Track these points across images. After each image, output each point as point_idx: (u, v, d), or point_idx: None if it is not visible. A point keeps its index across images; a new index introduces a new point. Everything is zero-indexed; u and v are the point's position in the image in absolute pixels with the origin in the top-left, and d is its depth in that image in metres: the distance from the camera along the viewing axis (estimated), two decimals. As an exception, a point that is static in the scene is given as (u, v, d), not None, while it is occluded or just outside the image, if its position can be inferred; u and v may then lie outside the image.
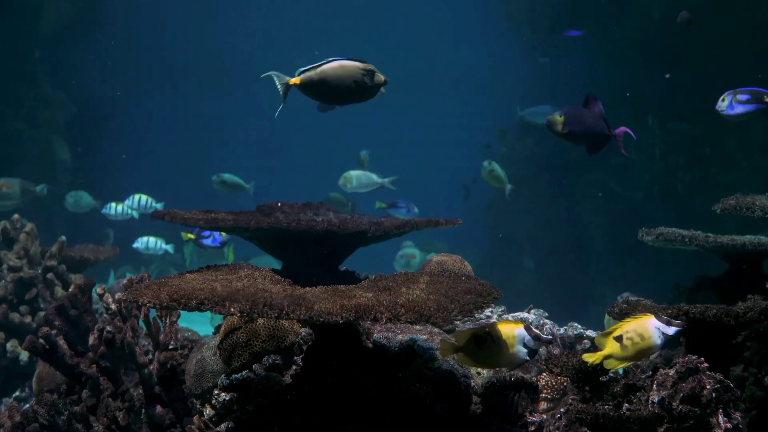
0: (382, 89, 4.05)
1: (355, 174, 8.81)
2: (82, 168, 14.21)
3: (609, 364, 3.06)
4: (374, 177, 8.72)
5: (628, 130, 4.82)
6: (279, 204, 4.87)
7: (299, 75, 3.71)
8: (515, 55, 14.59)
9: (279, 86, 3.72)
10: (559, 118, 4.59)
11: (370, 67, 3.72)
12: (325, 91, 3.76)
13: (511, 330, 3.02)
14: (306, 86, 3.73)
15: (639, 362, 3.53)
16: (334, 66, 3.73)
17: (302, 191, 5.27)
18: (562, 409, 3.28)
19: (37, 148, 13.24)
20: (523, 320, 4.28)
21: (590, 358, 3.08)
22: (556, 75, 13.78)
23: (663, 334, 3.02)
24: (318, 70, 3.71)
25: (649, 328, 3.03)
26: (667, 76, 10.52)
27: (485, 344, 3.02)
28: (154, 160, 20.51)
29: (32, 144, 13.19)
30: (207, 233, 5.61)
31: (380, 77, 3.74)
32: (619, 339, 3.03)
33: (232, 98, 23.16)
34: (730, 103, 5.06)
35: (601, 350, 3.05)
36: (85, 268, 6.44)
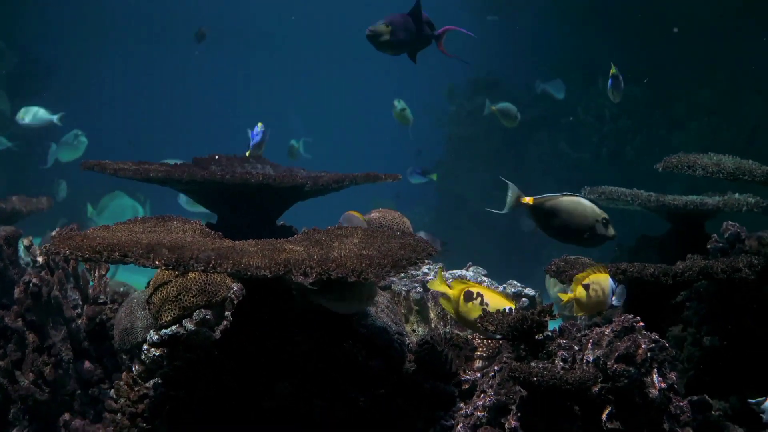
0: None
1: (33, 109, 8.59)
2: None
3: (576, 310, 3.18)
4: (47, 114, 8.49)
5: (452, 28, 4.72)
6: (216, 157, 4.78)
7: (533, 197, 3.60)
8: (463, 11, 14.43)
9: (509, 196, 3.64)
10: (385, 27, 4.44)
11: (605, 216, 3.59)
12: (552, 224, 3.66)
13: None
14: (536, 210, 3.66)
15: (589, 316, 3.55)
16: (569, 201, 3.63)
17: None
18: (495, 368, 3.24)
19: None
20: (461, 277, 4.23)
21: (564, 297, 3.21)
22: (504, 34, 13.72)
23: (613, 294, 3.07)
24: (553, 201, 3.61)
25: (608, 284, 3.11)
26: (645, 81, 10.55)
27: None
28: (99, 115, 20.16)
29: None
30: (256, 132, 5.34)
31: (611, 231, 3.61)
32: (586, 287, 3.09)
33: (182, 54, 22.83)
34: None
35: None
36: (17, 221, 6.26)
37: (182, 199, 7.74)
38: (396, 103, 7.78)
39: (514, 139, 12.09)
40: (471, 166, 12.86)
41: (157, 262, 2.69)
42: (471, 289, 3.19)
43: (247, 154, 5.03)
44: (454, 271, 4.39)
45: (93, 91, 20.49)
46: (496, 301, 3.16)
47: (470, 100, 13.09)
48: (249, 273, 2.64)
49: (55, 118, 8.80)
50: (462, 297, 3.17)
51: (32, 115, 8.78)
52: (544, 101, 11.86)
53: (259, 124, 5.13)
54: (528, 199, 3.65)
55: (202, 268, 2.67)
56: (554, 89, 10.74)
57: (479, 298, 3.14)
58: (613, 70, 5.97)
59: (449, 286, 3.24)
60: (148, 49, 22.90)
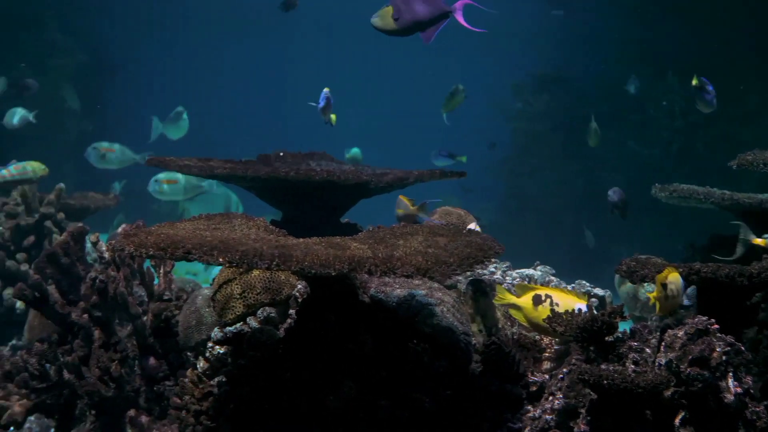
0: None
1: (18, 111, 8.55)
2: (90, 116, 14.10)
3: (658, 309, 3.08)
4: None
5: (469, 1, 4.48)
6: (281, 153, 4.76)
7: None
8: (528, 7, 14.32)
9: (740, 239, 3.52)
10: (386, 9, 4.24)
11: None
12: None
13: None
14: None
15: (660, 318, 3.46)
16: None
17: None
18: (564, 370, 3.17)
19: (44, 96, 13.10)
20: (528, 276, 4.16)
21: (651, 295, 3.09)
22: (570, 28, 13.57)
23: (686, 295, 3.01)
24: None
25: (681, 284, 3.04)
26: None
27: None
28: (165, 110, 20.35)
29: (39, 91, 13.04)
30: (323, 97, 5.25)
31: None
32: (664, 287, 3.00)
33: (247, 50, 22.98)
34: None
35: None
36: (85, 217, 6.34)
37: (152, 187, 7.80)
38: (459, 86, 7.67)
39: (581, 136, 11.94)
40: (536, 163, 12.75)
41: (221, 260, 2.66)
42: (538, 292, 3.12)
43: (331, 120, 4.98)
44: (522, 270, 4.31)
45: (157, 88, 20.70)
46: (566, 300, 3.09)
47: (536, 96, 12.97)
48: (313, 271, 2.60)
49: (31, 116, 8.86)
50: (531, 302, 3.11)
51: (19, 116, 8.86)
52: (612, 97, 11.69)
53: (326, 89, 5.09)
54: (760, 241, 3.54)
55: (266, 265, 2.64)
56: (632, 86, 10.58)
57: (548, 300, 3.08)
58: (694, 81, 5.80)
59: (516, 295, 3.18)
60: (212, 45, 23.07)
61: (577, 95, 12.67)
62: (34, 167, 6.28)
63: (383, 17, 4.33)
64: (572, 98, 12.68)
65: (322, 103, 4.97)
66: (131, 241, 2.83)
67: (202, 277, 7.20)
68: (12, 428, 4.03)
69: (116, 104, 15.88)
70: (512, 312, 3.25)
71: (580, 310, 3.06)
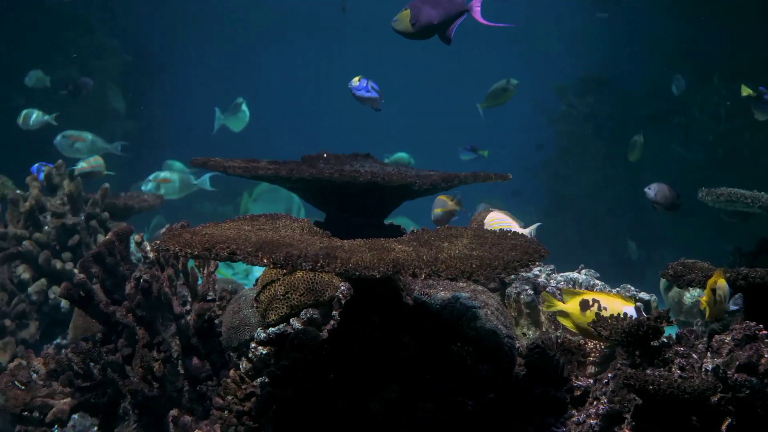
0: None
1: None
2: (134, 117, 14.23)
3: (707, 315, 3.02)
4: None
5: None
6: (325, 154, 4.75)
7: None
8: (573, 10, 14.25)
9: None
10: (404, 12, 4.23)
11: None
12: None
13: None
14: None
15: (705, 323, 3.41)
16: None
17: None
18: (609, 374, 3.14)
19: (90, 97, 13.22)
20: (573, 280, 4.12)
21: (702, 299, 3.02)
22: (614, 31, 13.48)
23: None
24: None
25: (727, 289, 3.00)
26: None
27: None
28: (207, 111, 20.46)
29: (71, 89, 13.16)
30: (362, 85, 5.20)
31: None
32: (713, 292, 2.96)
33: (286, 51, 23.07)
34: None
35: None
36: (129, 216, 6.39)
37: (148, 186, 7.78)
38: (513, 81, 7.59)
39: (624, 138, 11.85)
40: (579, 166, 12.67)
41: (265, 261, 2.66)
42: (585, 297, 3.10)
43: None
44: (566, 274, 4.28)
45: (199, 88, 20.83)
46: (613, 304, 3.06)
47: (579, 99, 12.90)
48: (357, 273, 2.59)
49: (48, 118, 8.84)
50: (578, 307, 3.09)
51: (35, 117, 8.86)
52: (656, 100, 11.60)
53: (363, 81, 5.07)
54: None
55: (310, 266, 2.63)
56: (675, 86, 10.47)
57: (596, 305, 3.05)
58: (746, 92, 5.72)
59: (562, 301, 3.16)
60: (252, 46, 23.20)
61: (621, 98, 12.59)
62: (102, 162, 6.39)
63: (401, 21, 4.33)
64: (616, 101, 12.61)
65: (372, 94, 4.97)
66: (176, 241, 2.85)
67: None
68: (56, 426, 4.06)
69: (159, 105, 16.02)
70: (560, 318, 3.22)
71: (626, 314, 3.03)
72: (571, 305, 3.13)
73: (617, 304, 3.08)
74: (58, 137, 8.00)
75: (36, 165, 6.32)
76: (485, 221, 4.19)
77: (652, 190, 5.89)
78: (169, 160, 9.22)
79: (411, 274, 2.64)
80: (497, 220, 4.15)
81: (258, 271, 8.35)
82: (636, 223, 11.78)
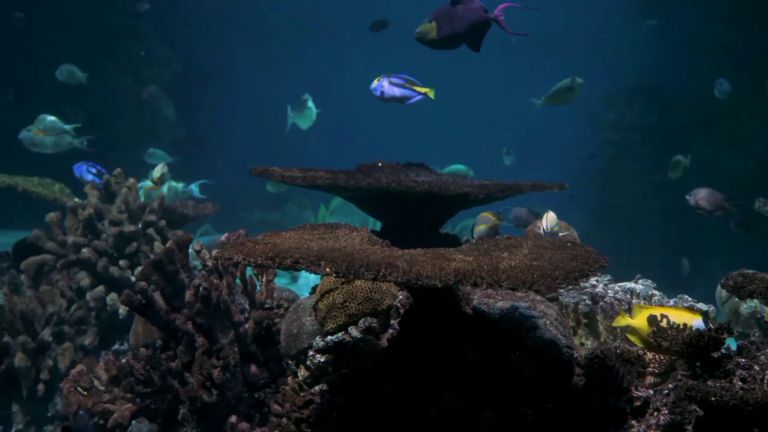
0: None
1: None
2: (184, 125, 14.37)
3: None
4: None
5: (509, 5, 4.43)
6: (380, 164, 4.78)
7: None
8: (621, 17, 14.17)
9: None
10: (429, 25, 4.25)
11: None
12: None
13: None
14: None
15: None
16: None
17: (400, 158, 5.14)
18: (670, 385, 3.13)
19: (142, 105, 13.39)
20: (630, 290, 4.11)
21: None
22: (663, 38, 13.38)
23: None
24: None
25: None
26: None
27: None
28: (254, 118, 20.59)
29: (136, 99, 13.33)
30: (379, 85, 5.20)
31: None
32: None
33: (332, 58, 23.15)
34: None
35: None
36: (185, 224, 6.47)
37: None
38: (578, 80, 7.55)
39: (672, 146, 11.76)
40: (628, 174, 12.59)
41: (327, 270, 2.69)
42: (653, 312, 3.09)
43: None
44: (623, 284, 4.26)
45: (249, 96, 20.98)
46: (682, 318, 3.06)
47: (628, 107, 12.82)
48: (420, 282, 2.61)
49: (66, 127, 8.83)
50: (647, 323, 3.09)
51: (45, 124, 8.85)
52: (704, 107, 11.50)
53: (375, 81, 5.10)
54: None
55: (372, 276, 2.66)
56: (718, 90, 10.37)
57: (665, 320, 3.05)
58: None
59: (629, 317, 3.16)
60: (299, 54, 23.29)
61: (669, 105, 12.50)
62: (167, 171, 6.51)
63: (426, 32, 4.36)
64: (665, 108, 12.52)
65: (392, 92, 4.99)
66: (239, 250, 2.88)
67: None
68: (117, 431, 4.12)
69: (208, 113, 16.16)
70: (629, 335, 3.22)
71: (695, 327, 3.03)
72: (639, 320, 3.13)
73: (686, 319, 3.08)
74: (23, 131, 7.84)
75: (78, 165, 6.43)
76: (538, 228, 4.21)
77: (693, 196, 5.86)
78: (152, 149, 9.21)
79: (472, 284, 2.65)
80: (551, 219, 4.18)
81: (305, 278, 8.39)
82: (685, 232, 11.67)
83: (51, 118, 7.75)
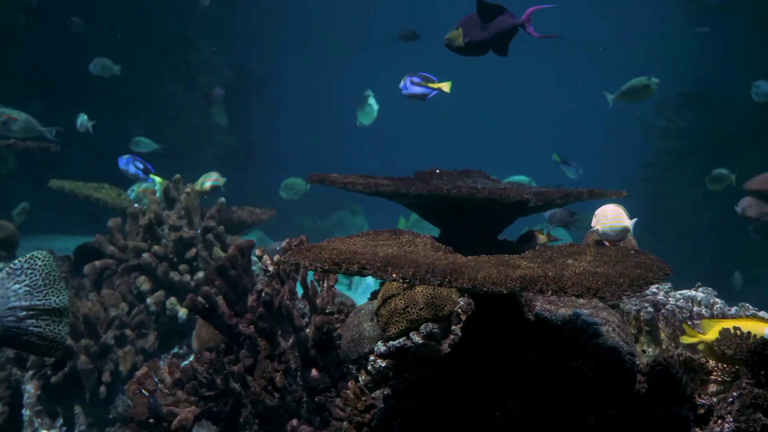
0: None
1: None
2: (236, 132, 14.49)
3: None
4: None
5: (536, 8, 4.42)
6: (437, 170, 4.81)
7: None
8: (672, 25, 14.08)
9: None
10: (456, 32, 4.27)
11: None
12: None
13: None
14: None
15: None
16: None
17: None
18: (734, 393, 3.13)
19: (193, 111, 13.53)
20: (691, 298, 4.10)
21: None
22: (715, 45, 13.27)
23: None
24: None
25: None
26: None
27: None
28: (303, 125, 20.72)
29: (189, 107, 13.46)
30: (404, 85, 5.31)
31: None
32: None
33: (381, 66, 23.18)
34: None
35: None
36: (243, 230, 6.56)
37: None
38: (653, 79, 7.56)
39: (725, 154, 11.66)
40: (679, 182, 12.50)
41: (394, 275, 2.72)
42: (725, 325, 3.10)
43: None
44: (684, 292, 4.25)
45: (299, 103, 21.11)
46: (757, 330, 3.05)
47: (679, 114, 12.73)
48: (485, 288, 2.63)
49: (89, 124, 8.86)
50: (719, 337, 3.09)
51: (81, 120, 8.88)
52: (758, 114, 11.39)
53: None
54: None
55: (438, 282, 2.68)
56: (755, 93, 10.25)
57: (738, 332, 3.05)
58: None
59: (699, 332, 3.16)
60: (348, 62, 23.37)
61: (721, 112, 12.40)
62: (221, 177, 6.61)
63: (454, 39, 4.40)
64: (716, 115, 12.43)
65: (413, 90, 5.06)
66: (305, 256, 2.92)
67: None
68: None
69: (259, 120, 16.29)
70: (701, 349, 3.22)
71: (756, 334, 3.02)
72: (711, 335, 3.12)
73: (760, 329, 3.07)
74: None
75: (123, 158, 6.52)
76: (597, 214, 4.21)
77: (741, 205, 5.82)
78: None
79: (538, 291, 2.67)
80: (611, 214, 4.18)
81: (361, 285, 8.42)
82: (736, 242, 11.56)
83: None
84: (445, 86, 5.16)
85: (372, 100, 9.02)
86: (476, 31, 4.41)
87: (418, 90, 5.16)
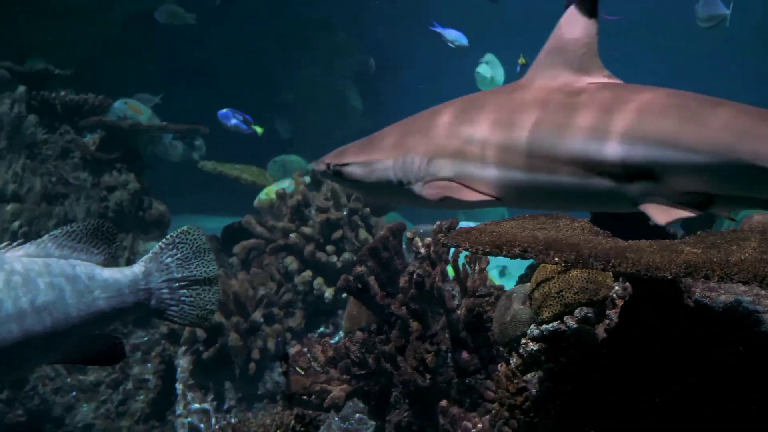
0: None
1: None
2: (370, 115, 14.56)
3: None
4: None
5: None
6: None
7: None
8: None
9: None
10: None
11: None
12: None
13: None
14: None
15: None
16: None
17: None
18: None
19: (330, 95, 13.65)
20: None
21: None
22: None
23: None
24: None
25: None
26: None
27: None
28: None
29: (326, 90, 13.59)
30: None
31: None
32: None
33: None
34: None
35: None
36: (387, 213, 6.62)
37: None
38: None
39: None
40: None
41: (556, 259, 2.73)
42: None
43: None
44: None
45: (429, 91, 21.06)
46: None
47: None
48: (649, 273, 2.61)
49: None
50: None
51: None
52: None
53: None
54: None
55: (602, 266, 2.68)
56: None
57: None
58: None
59: None
60: (482, 43, 23.23)
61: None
62: None
63: None
64: None
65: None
66: (466, 239, 2.95)
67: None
68: (332, 410, 4.29)
69: (394, 104, 16.35)
70: None
71: None
72: None
73: None
74: (118, 102, 8.22)
75: (222, 111, 6.64)
76: (756, 221, 4.10)
77: None
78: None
79: (703, 277, 2.63)
80: None
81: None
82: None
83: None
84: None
85: (485, 68, 8.95)
86: None
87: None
